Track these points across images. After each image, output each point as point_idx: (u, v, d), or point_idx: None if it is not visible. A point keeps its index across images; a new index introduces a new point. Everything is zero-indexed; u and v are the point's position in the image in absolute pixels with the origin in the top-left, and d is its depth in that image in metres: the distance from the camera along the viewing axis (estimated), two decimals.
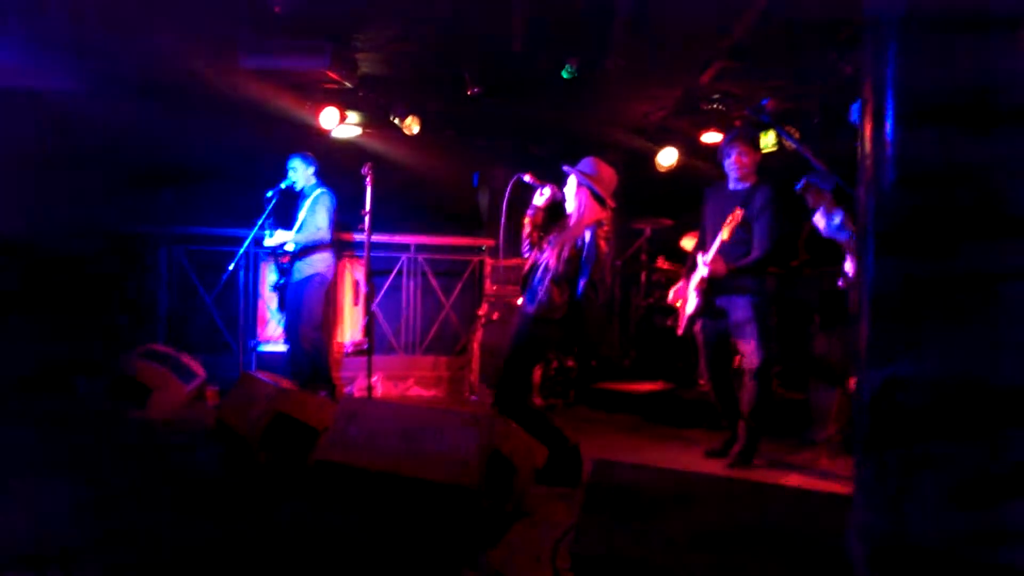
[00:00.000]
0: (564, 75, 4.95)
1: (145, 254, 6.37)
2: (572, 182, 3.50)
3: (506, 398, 3.40)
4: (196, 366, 5.00)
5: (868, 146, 1.52)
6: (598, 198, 3.44)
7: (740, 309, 3.75)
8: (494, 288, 6.17)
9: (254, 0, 4.24)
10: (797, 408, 4.67)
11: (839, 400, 4.13)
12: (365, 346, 4.95)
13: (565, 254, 3.37)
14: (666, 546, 2.06)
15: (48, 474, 3.51)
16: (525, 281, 3.57)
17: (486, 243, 7.00)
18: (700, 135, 5.92)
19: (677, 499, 2.14)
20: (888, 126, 1.47)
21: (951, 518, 1.38)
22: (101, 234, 6.23)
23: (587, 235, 3.36)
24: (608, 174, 3.51)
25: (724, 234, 3.70)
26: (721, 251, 3.74)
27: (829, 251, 4.00)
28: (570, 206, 3.51)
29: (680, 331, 4.05)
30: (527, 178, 3.58)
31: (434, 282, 6.80)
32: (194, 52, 4.77)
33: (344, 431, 2.99)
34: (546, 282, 3.38)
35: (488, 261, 6.62)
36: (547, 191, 3.56)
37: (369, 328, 4.98)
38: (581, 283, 3.32)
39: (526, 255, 3.62)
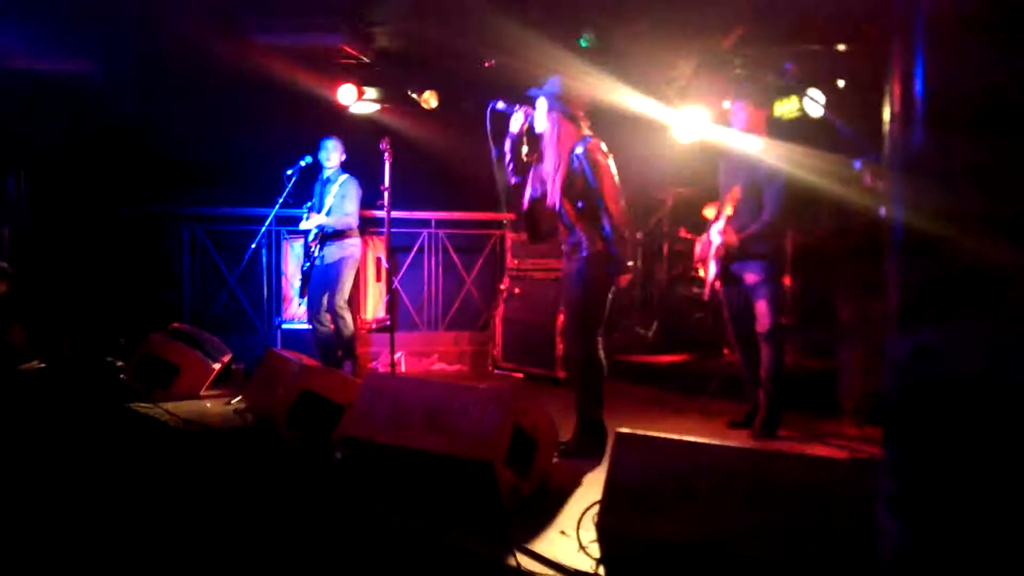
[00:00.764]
0: (582, 44, 4.87)
1: (168, 235, 6.44)
2: (542, 106, 3.30)
3: (580, 349, 3.33)
4: (221, 345, 5.06)
5: (897, 127, 1.49)
6: (571, 118, 3.26)
7: (753, 272, 3.81)
8: (515, 262, 6.15)
9: None
10: (823, 377, 4.61)
11: (867, 368, 4.07)
12: (388, 323, 4.98)
13: (559, 183, 3.20)
14: (690, 519, 2.06)
15: (72, 462, 3.59)
16: (530, 219, 3.45)
17: (507, 217, 6.96)
18: (722, 101, 5.80)
19: (701, 471, 2.13)
20: (916, 98, 1.44)
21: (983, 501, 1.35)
22: (123, 216, 6.31)
23: (579, 149, 3.18)
24: (577, 91, 3.32)
25: (728, 210, 3.79)
26: (732, 221, 3.82)
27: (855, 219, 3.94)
28: (543, 131, 3.32)
29: (705, 296, 4.12)
30: (500, 105, 3.36)
31: (455, 257, 6.80)
32: (210, 30, 4.76)
33: (368, 407, 3.01)
34: (567, 222, 3.25)
35: (509, 235, 6.58)
36: (520, 114, 3.34)
37: (392, 305, 5.00)
38: (603, 210, 3.15)
39: (513, 182, 3.45)
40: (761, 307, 3.78)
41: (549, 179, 3.29)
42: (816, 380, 4.67)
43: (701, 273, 4.15)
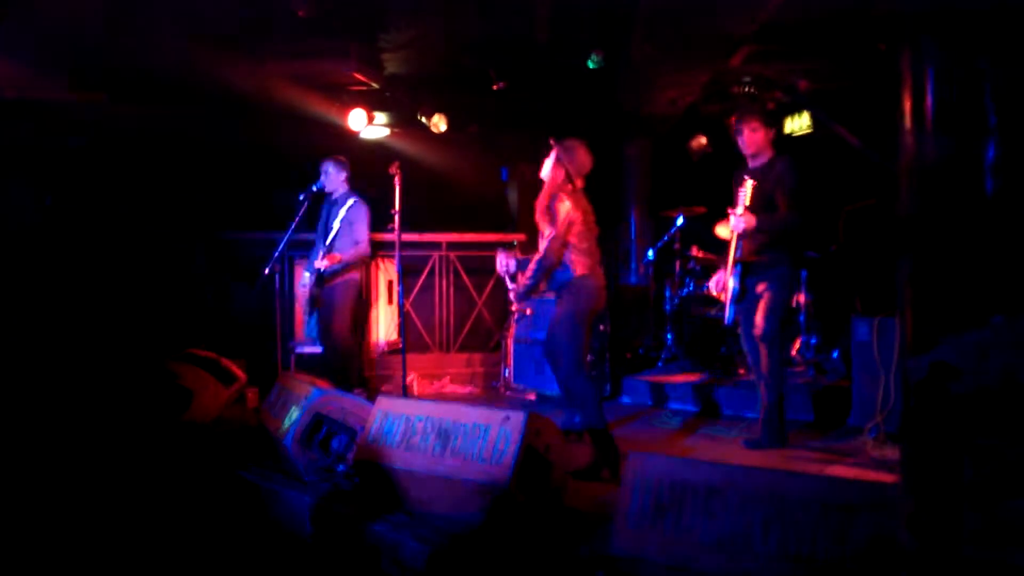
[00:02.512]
0: (590, 65, 4.91)
1: (182, 260, 6.50)
2: (551, 156, 3.82)
3: (567, 374, 3.69)
4: (236, 369, 5.07)
5: (908, 138, 1.49)
6: (567, 173, 3.75)
7: (764, 282, 3.82)
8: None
9: (278, 4, 4.28)
10: (841, 395, 4.56)
11: (883, 387, 4.02)
12: (400, 345, 4.97)
13: (544, 221, 3.76)
14: (706, 542, 2.02)
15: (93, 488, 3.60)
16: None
17: (517, 238, 6.98)
18: (731, 119, 5.82)
19: (715, 491, 2.10)
20: (927, 114, 1.44)
21: (996, 508, 1.32)
22: (138, 241, 6.39)
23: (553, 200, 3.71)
24: (583, 157, 3.80)
25: (747, 200, 3.74)
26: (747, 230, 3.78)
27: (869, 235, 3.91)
28: (545, 177, 3.85)
29: (727, 321, 4.01)
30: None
31: (466, 279, 6.81)
32: (221, 57, 4.84)
33: (380, 430, 3.01)
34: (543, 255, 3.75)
35: (518, 255, 6.59)
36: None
37: (403, 327, 4.99)
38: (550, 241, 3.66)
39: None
40: (761, 311, 3.80)
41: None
42: (832, 397, 4.62)
43: (721, 295, 4.05)
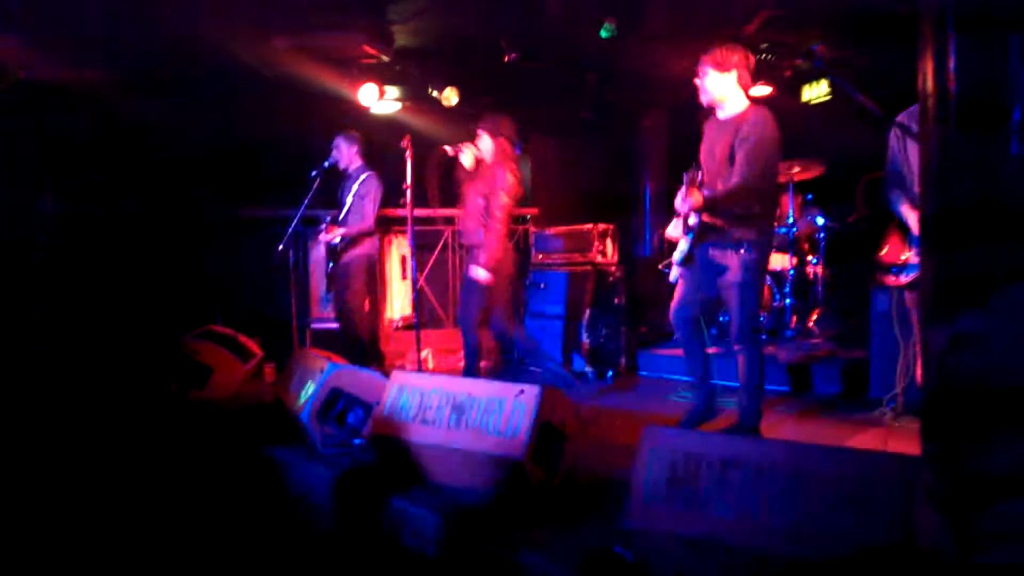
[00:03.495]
0: (603, 34, 4.81)
1: (197, 237, 6.53)
2: (485, 136, 4.27)
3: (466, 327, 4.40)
4: (253, 345, 5.13)
5: (931, 119, 1.45)
6: (509, 141, 4.27)
7: (733, 265, 3.31)
8: (540, 257, 6.12)
9: None
10: (859, 367, 4.52)
11: (903, 358, 3.97)
12: (414, 320, 4.98)
13: (482, 194, 4.24)
14: (723, 515, 2.02)
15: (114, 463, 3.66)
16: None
17: (530, 212, 6.94)
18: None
19: (731, 465, 2.09)
20: (951, 105, 1.40)
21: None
22: (153, 218, 6.42)
23: (499, 175, 4.22)
24: (510, 124, 4.31)
25: (685, 199, 3.27)
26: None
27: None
28: (486, 156, 4.27)
29: (671, 277, 3.58)
30: (450, 150, 4.32)
31: None
32: (230, 33, 4.80)
33: (395, 404, 3.02)
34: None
35: (532, 230, 6.56)
36: (469, 151, 4.30)
37: (417, 302, 5.00)
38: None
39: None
40: (736, 307, 3.31)
41: (484, 189, 4.33)
42: (851, 370, 4.58)
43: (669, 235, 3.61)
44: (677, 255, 3.47)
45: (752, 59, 3.40)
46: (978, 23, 1.38)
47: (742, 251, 3.26)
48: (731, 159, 3.27)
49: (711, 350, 3.53)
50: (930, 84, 1.46)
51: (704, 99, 3.38)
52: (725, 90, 3.33)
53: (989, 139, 1.38)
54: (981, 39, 1.38)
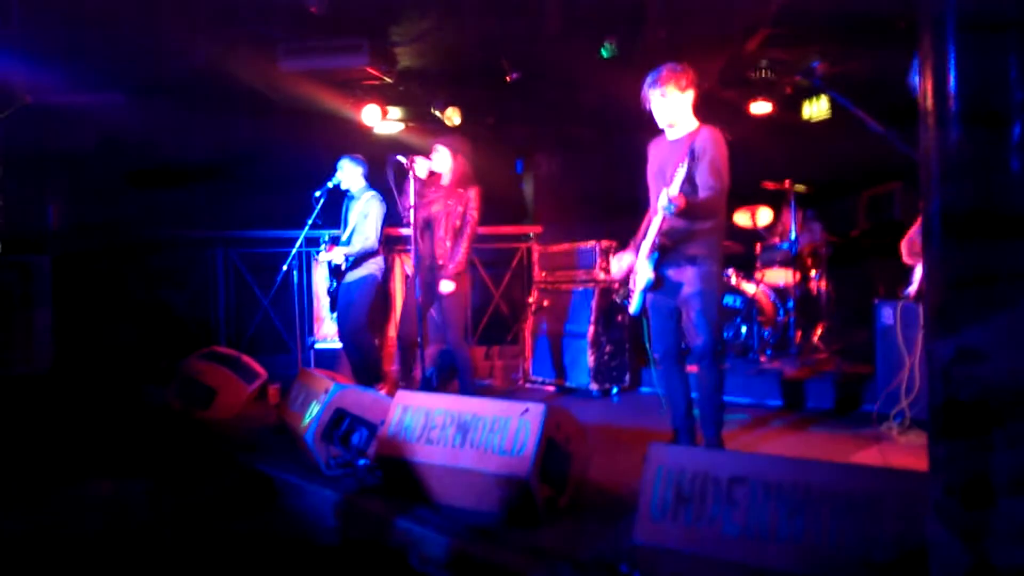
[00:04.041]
0: (604, 54, 4.86)
1: (202, 258, 6.57)
2: (445, 152, 4.43)
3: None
4: (257, 366, 5.13)
5: (931, 124, 1.46)
6: (469, 163, 4.45)
7: (687, 280, 3.26)
8: (543, 275, 6.13)
9: (290, 2, 4.29)
10: (864, 382, 4.50)
11: (908, 373, 3.95)
12: (418, 339, 4.98)
13: (457, 211, 4.45)
14: (725, 534, 2.00)
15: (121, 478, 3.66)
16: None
17: (533, 230, 6.96)
18: (748, 105, 5.74)
19: (738, 482, 2.08)
20: (950, 110, 1.41)
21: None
22: (157, 241, 6.47)
23: (472, 194, 4.46)
24: (467, 143, 4.50)
25: (674, 188, 3.10)
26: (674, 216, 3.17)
27: (889, 220, 3.79)
28: (444, 172, 4.42)
29: (631, 309, 3.46)
30: (404, 160, 4.26)
31: (483, 272, 6.80)
32: (234, 56, 4.87)
33: (400, 425, 3.02)
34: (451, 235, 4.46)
35: (536, 248, 6.58)
36: (423, 163, 4.34)
37: (420, 321, 5.00)
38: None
39: (407, 221, 4.37)
40: (696, 319, 3.24)
41: (446, 203, 4.51)
42: (856, 384, 4.56)
43: (630, 278, 3.50)
44: (642, 282, 3.36)
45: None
46: (977, 25, 1.39)
47: (696, 264, 3.24)
48: (689, 178, 3.18)
49: (693, 368, 3.42)
50: (929, 86, 1.46)
51: (663, 120, 3.32)
52: (683, 110, 3.30)
53: (990, 141, 1.38)
54: (980, 41, 1.39)
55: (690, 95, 3.28)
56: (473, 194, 4.52)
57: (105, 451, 4.06)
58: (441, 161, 4.45)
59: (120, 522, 3.14)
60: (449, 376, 5.40)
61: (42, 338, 5.86)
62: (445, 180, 4.45)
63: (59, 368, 5.82)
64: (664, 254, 3.28)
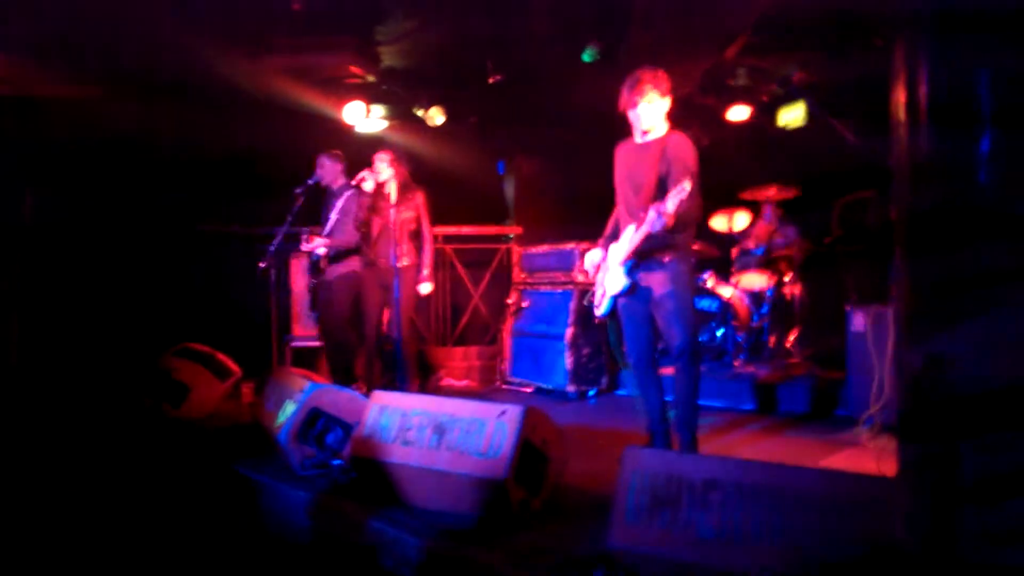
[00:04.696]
0: (586, 58, 4.88)
1: (178, 253, 6.47)
2: (385, 162, 4.69)
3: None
4: (231, 363, 5.07)
5: (903, 132, 1.48)
6: (406, 168, 4.85)
7: (659, 281, 3.25)
8: (523, 276, 6.14)
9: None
10: (836, 387, 4.57)
11: (880, 378, 4.02)
12: (396, 339, 4.97)
13: (409, 217, 4.83)
14: (700, 538, 2.03)
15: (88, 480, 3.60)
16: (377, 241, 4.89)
17: (513, 231, 6.97)
18: (726, 111, 5.80)
19: (712, 485, 2.10)
20: (921, 106, 1.43)
21: (995, 508, 1.32)
22: (133, 234, 6.37)
23: (422, 197, 4.92)
24: (401, 152, 4.88)
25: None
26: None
27: (862, 228, 3.85)
28: (388, 180, 4.67)
29: (598, 311, 3.50)
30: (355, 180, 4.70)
31: (462, 272, 6.80)
32: (216, 52, 4.81)
33: (376, 425, 3.00)
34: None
35: (516, 249, 6.59)
36: (370, 178, 4.65)
37: (399, 320, 4.98)
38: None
39: (359, 229, 4.96)
40: (671, 320, 3.23)
41: (402, 207, 4.81)
42: (828, 389, 4.63)
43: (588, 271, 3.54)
44: (614, 287, 3.36)
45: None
46: (948, 28, 1.41)
47: (665, 267, 3.24)
48: (659, 183, 3.19)
49: (667, 370, 3.38)
50: (902, 95, 1.49)
51: (644, 125, 3.28)
52: (661, 115, 3.29)
53: (959, 150, 1.41)
54: (951, 50, 1.41)
55: (668, 101, 3.28)
56: (421, 199, 4.95)
57: (68, 449, 3.98)
58: (383, 171, 4.72)
59: (88, 522, 3.09)
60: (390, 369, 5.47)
61: (8, 334, 5.74)
62: (390, 188, 4.71)
63: (25, 364, 5.70)
64: (637, 261, 3.28)
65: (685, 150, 3.21)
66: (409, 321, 4.91)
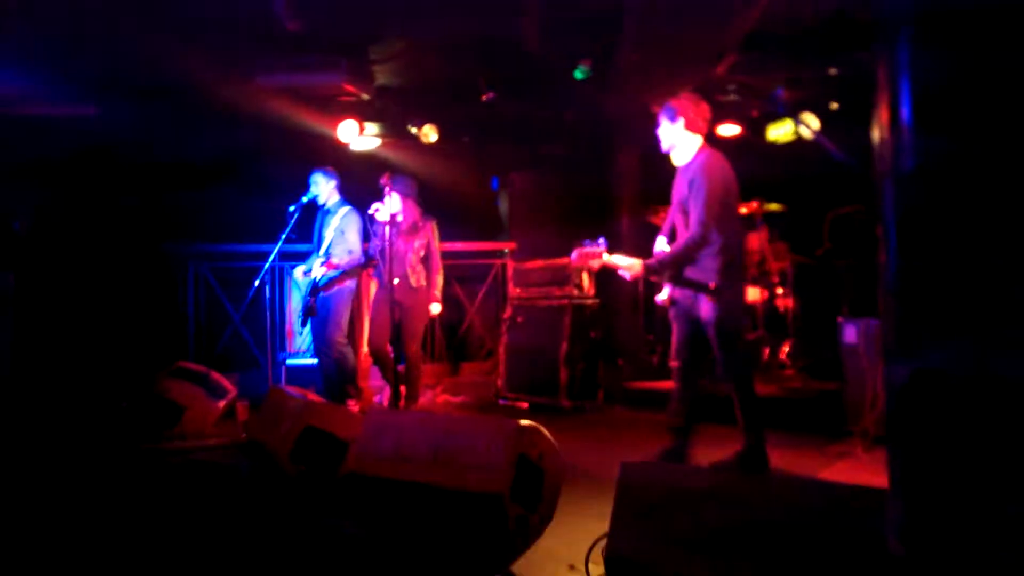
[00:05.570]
0: (578, 75, 4.95)
1: (172, 273, 6.48)
2: (397, 198, 4.88)
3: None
4: (226, 383, 5.06)
5: (886, 136, 1.50)
6: (418, 204, 5.04)
7: (704, 308, 3.37)
8: (518, 291, 6.16)
9: (268, 19, 4.30)
10: (830, 399, 4.59)
11: (873, 390, 4.05)
12: (391, 355, 4.98)
13: (420, 244, 5.04)
14: (698, 548, 2.04)
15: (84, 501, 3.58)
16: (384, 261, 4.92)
17: (508, 246, 7.00)
18: (716, 127, 5.87)
19: (710, 497, 2.11)
20: (903, 120, 1.46)
21: (986, 512, 1.34)
22: (127, 254, 6.37)
23: (432, 227, 5.08)
24: (415, 183, 5.06)
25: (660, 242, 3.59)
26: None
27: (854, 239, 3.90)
28: (397, 210, 4.90)
29: (658, 296, 3.68)
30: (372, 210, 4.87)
31: (457, 288, 6.82)
32: (212, 71, 4.86)
33: (372, 442, 3.00)
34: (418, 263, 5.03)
35: (510, 264, 6.61)
36: (384, 209, 4.84)
37: (395, 337, 4.99)
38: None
39: (375, 255, 5.17)
40: (719, 355, 3.35)
41: (408, 237, 5.05)
42: (822, 401, 4.65)
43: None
44: (663, 293, 3.62)
45: (704, 105, 3.51)
46: (931, 49, 1.44)
47: (706, 291, 3.35)
48: (682, 209, 3.45)
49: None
50: (884, 106, 1.51)
51: (663, 147, 3.55)
52: (676, 137, 3.48)
53: (944, 161, 1.43)
54: (933, 62, 1.44)
55: (681, 123, 3.44)
56: (431, 227, 5.15)
57: (56, 472, 3.95)
58: (394, 204, 4.94)
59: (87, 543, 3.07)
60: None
61: (1, 350, 5.71)
62: (401, 218, 4.98)
63: (17, 380, 5.67)
64: (675, 280, 3.48)
65: (703, 174, 3.34)
66: (418, 340, 5.05)
